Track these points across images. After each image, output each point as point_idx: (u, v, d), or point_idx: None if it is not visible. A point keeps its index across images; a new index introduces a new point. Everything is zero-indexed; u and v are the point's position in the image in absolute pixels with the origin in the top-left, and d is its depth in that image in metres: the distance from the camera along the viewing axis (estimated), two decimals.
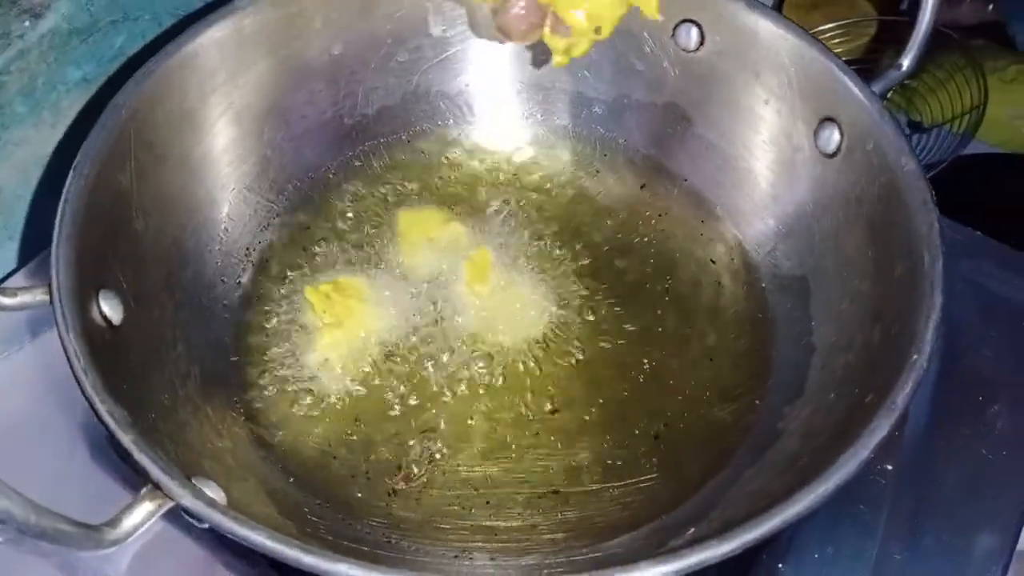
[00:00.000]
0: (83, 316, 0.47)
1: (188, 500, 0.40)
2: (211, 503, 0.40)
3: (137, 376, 0.50)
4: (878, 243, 0.56)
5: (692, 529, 0.51)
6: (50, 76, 0.67)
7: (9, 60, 0.64)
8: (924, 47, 0.60)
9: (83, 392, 0.43)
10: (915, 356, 0.47)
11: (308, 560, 0.39)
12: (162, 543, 0.51)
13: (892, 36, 1.04)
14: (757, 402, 0.59)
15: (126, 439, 0.41)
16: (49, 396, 0.62)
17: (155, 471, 0.40)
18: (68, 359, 0.44)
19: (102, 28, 0.69)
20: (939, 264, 0.50)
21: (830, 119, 0.60)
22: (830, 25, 1.01)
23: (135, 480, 0.57)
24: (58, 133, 0.70)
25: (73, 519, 0.37)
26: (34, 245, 0.72)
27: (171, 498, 0.40)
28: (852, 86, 0.58)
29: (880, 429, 0.44)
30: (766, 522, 0.41)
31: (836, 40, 1.01)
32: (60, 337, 0.45)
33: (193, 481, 0.42)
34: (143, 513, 0.40)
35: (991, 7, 1.16)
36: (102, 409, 0.42)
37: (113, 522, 0.40)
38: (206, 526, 0.41)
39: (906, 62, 0.60)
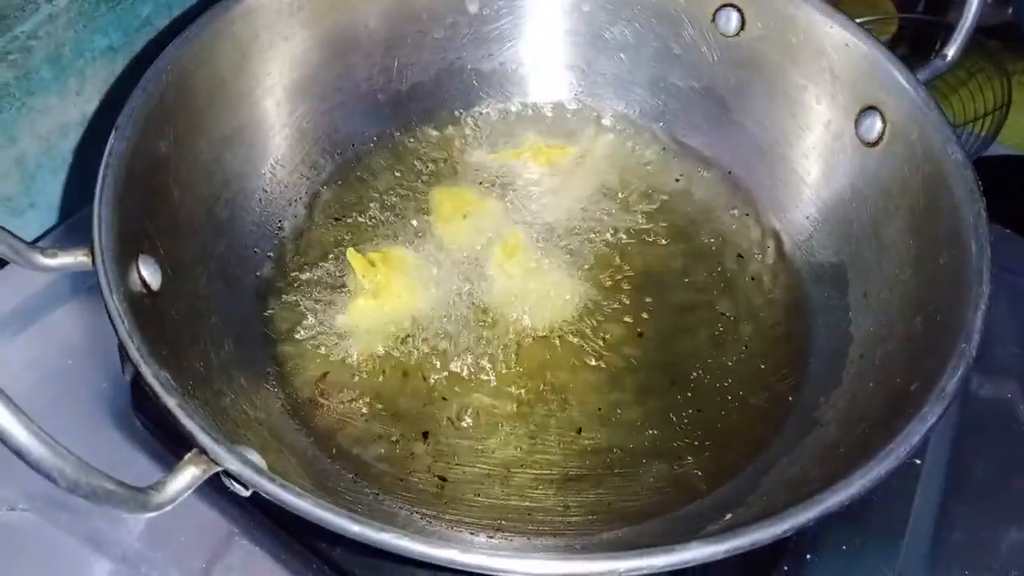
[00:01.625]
0: (124, 279, 0.46)
1: (235, 465, 0.40)
2: (258, 469, 0.40)
3: (174, 344, 0.49)
4: (920, 232, 0.56)
5: (729, 515, 0.50)
6: (77, 43, 0.66)
7: (37, 24, 0.63)
8: (970, 37, 0.59)
9: (128, 355, 0.42)
10: (963, 344, 0.46)
11: (356, 529, 0.38)
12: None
13: (913, 34, 1.04)
14: (793, 390, 0.58)
15: (172, 403, 0.41)
16: (70, 367, 0.62)
17: (201, 436, 0.40)
18: (112, 321, 0.43)
19: None
20: (987, 253, 0.50)
21: (872, 107, 0.60)
22: None
23: (159, 452, 0.58)
24: (82, 102, 0.69)
25: (121, 481, 0.37)
26: (56, 213, 0.71)
27: (217, 463, 0.40)
28: (897, 74, 0.58)
29: (931, 415, 0.44)
30: (820, 503, 0.41)
31: None
32: (104, 299, 0.44)
33: (237, 447, 0.41)
34: (188, 478, 0.40)
35: (1010, 9, 1.16)
36: (148, 372, 0.41)
37: (158, 485, 0.39)
38: (248, 493, 0.41)
39: (951, 52, 0.60)
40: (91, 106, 0.70)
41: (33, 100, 0.65)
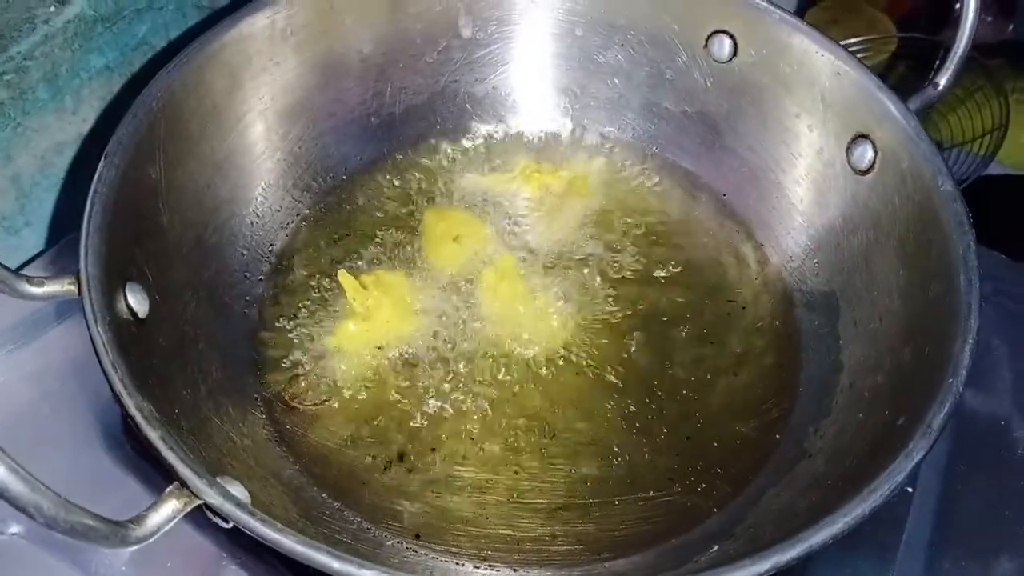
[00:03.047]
0: (111, 308, 0.46)
1: (215, 499, 0.39)
2: (239, 504, 0.40)
3: (161, 371, 0.49)
4: (910, 263, 0.56)
5: (716, 546, 0.50)
6: (73, 63, 0.66)
7: (33, 45, 0.63)
8: (961, 66, 0.59)
9: (111, 386, 0.42)
10: (951, 379, 0.46)
11: (337, 566, 0.38)
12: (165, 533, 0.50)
13: (912, 53, 1.03)
14: (782, 419, 0.58)
15: (154, 435, 0.41)
16: (65, 387, 0.61)
17: (182, 469, 0.40)
18: (96, 351, 0.43)
19: (126, 16, 0.69)
20: (976, 286, 0.49)
21: (863, 136, 0.60)
22: (850, 41, 1.00)
23: (150, 475, 0.57)
24: (79, 121, 0.69)
25: (100, 516, 0.37)
26: (51, 232, 0.71)
27: (198, 497, 0.40)
28: (888, 103, 0.58)
29: (917, 452, 0.44)
30: (803, 542, 0.40)
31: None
32: (88, 328, 0.44)
33: (219, 480, 0.41)
34: (169, 511, 0.40)
35: (1012, 27, 1.15)
36: (130, 404, 0.41)
37: (138, 519, 0.39)
38: (230, 526, 0.41)
39: (943, 81, 0.60)
40: (87, 126, 0.70)
41: (29, 120, 0.65)
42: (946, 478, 0.61)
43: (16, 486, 0.33)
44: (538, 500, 0.55)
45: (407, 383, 0.59)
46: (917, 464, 0.44)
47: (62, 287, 0.47)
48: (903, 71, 1.02)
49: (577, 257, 0.66)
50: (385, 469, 0.56)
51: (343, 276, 0.63)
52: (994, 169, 0.97)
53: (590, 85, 0.72)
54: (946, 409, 0.45)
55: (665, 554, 0.52)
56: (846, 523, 0.41)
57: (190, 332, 0.55)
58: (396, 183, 0.70)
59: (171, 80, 0.56)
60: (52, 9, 0.64)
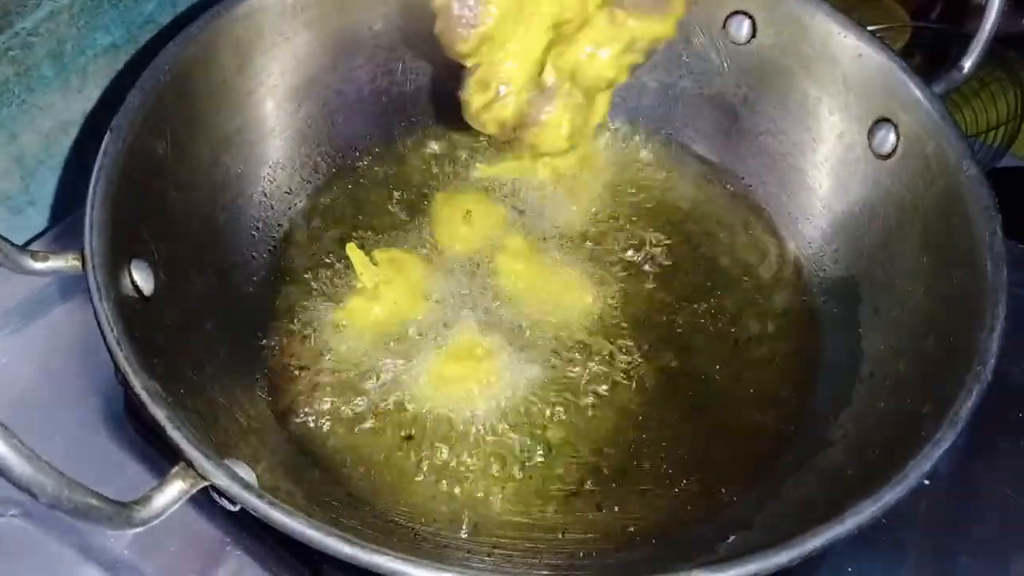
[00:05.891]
0: (116, 284, 0.45)
1: (222, 481, 0.39)
2: (247, 485, 0.39)
3: (166, 350, 0.48)
4: (933, 249, 0.55)
5: (733, 537, 0.49)
6: (79, 40, 0.65)
7: (39, 21, 0.62)
8: (987, 49, 0.58)
9: (116, 363, 0.41)
10: (979, 367, 0.45)
11: (348, 550, 0.37)
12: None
13: (926, 43, 1.03)
14: (801, 408, 0.57)
15: (160, 414, 0.40)
16: (68, 368, 0.61)
17: (189, 449, 0.39)
18: (101, 329, 0.42)
19: None
20: (1003, 272, 0.49)
21: (886, 119, 0.59)
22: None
23: (152, 458, 0.57)
24: (84, 99, 0.68)
25: (104, 496, 0.36)
26: (55, 212, 0.70)
27: (204, 478, 0.39)
28: (913, 87, 0.57)
29: (944, 441, 0.43)
30: (825, 533, 0.40)
31: None
32: (93, 305, 0.43)
33: (225, 462, 0.40)
34: (174, 492, 0.39)
35: None
36: (136, 382, 0.40)
37: (143, 500, 0.38)
38: (237, 508, 0.40)
39: (967, 64, 0.59)
40: (93, 104, 0.69)
41: (34, 97, 0.64)
42: (962, 472, 0.60)
43: (19, 465, 0.33)
44: (552, 488, 0.54)
45: (416, 365, 0.58)
46: (944, 453, 0.43)
47: (66, 262, 0.46)
48: (918, 60, 1.01)
49: (590, 242, 0.65)
50: (394, 454, 0.55)
51: (351, 249, 0.61)
52: (1008, 161, 0.96)
53: None
54: (973, 398, 0.44)
55: (681, 544, 0.51)
56: (872, 512, 0.40)
57: (196, 312, 0.54)
58: (406, 164, 0.69)
59: (180, 53, 0.55)
60: None
